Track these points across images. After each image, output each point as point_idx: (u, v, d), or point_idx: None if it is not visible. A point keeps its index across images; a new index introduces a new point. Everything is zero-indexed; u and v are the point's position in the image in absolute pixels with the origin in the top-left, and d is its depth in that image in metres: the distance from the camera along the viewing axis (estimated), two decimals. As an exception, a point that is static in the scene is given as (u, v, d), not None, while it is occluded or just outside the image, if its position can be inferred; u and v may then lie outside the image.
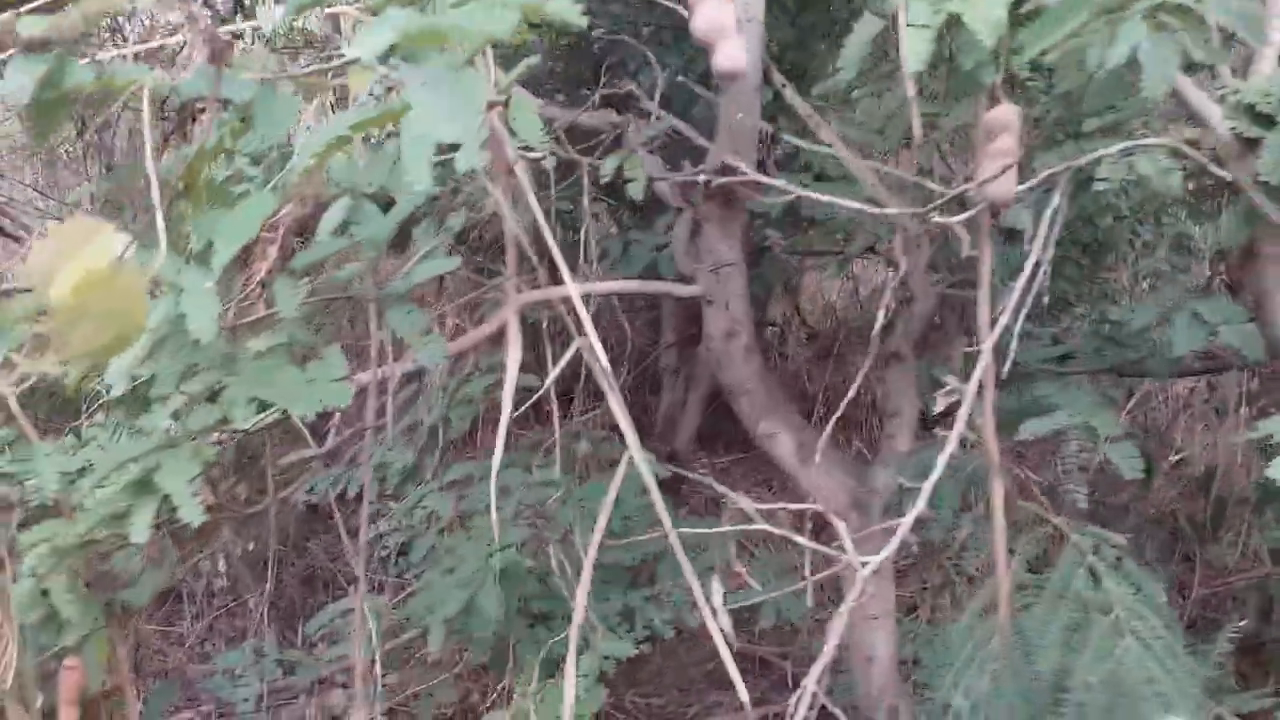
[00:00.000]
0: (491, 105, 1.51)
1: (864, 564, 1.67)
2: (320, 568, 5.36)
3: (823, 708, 1.94)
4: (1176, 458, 5.45)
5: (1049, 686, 2.01)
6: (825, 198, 2.02)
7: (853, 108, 3.99)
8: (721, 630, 1.61)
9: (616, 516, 3.65)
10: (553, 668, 3.35)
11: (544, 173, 2.71)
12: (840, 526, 1.78)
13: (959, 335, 3.76)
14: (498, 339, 3.47)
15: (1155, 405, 6.14)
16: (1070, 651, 2.00)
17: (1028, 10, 1.70)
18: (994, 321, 1.91)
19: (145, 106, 1.22)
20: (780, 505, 2.29)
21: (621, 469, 1.71)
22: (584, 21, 1.20)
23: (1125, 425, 2.73)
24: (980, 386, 1.86)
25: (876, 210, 1.97)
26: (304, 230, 2.43)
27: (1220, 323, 2.36)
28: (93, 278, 0.98)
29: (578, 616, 1.74)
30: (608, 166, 2.60)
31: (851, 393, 2.19)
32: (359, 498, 3.98)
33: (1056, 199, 1.93)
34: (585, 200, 2.58)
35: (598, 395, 4.59)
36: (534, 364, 2.37)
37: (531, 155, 1.89)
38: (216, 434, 1.96)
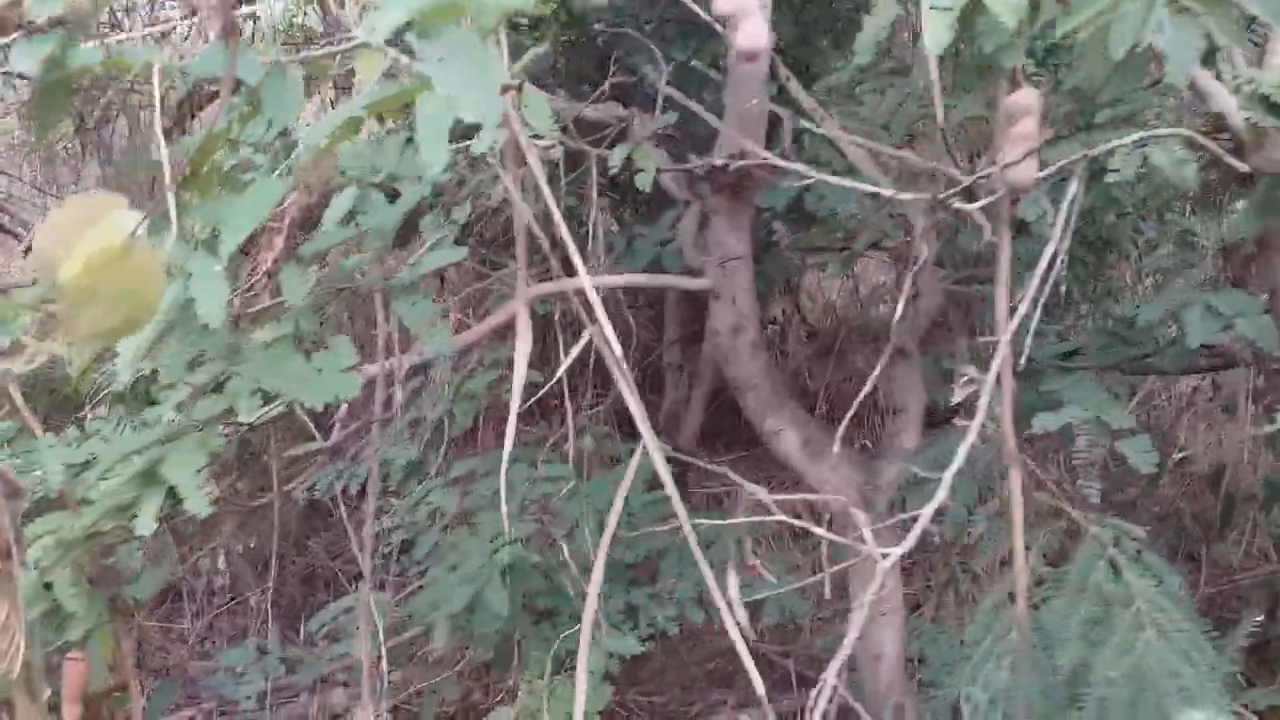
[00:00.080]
0: (505, 89, 1.48)
1: (884, 556, 1.64)
2: (321, 566, 5.33)
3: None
4: (1180, 456, 5.44)
5: (1068, 680, 1.99)
6: (848, 183, 1.99)
7: (856, 102, 3.97)
8: (737, 623, 1.58)
9: (621, 513, 3.62)
10: (557, 665, 3.33)
11: (554, 164, 2.69)
12: (860, 518, 1.76)
13: (964, 331, 3.75)
14: (504, 331, 3.45)
15: (1158, 403, 6.13)
16: (1091, 645, 1.97)
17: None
18: (1012, 311, 1.88)
19: (155, 82, 1.19)
20: (800, 495, 2.26)
21: (636, 458, 1.68)
22: None
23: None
24: (998, 377, 1.83)
25: (896, 194, 1.94)
26: (307, 223, 2.40)
27: (1235, 315, 2.33)
28: (104, 256, 0.95)
29: (589, 612, 1.72)
30: (617, 156, 2.57)
31: (865, 391, 2.16)
32: (360, 494, 3.96)
33: (1074, 186, 1.90)
34: (594, 191, 2.55)
35: (599, 391, 4.57)
36: (536, 359, 2.34)
37: (542, 144, 1.87)
38: (221, 427, 1.93)
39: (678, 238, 3.70)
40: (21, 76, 5.83)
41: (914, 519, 1.77)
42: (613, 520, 1.75)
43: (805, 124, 2.72)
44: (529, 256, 2.09)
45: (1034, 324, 1.93)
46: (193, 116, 5.49)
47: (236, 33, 1.10)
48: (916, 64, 3.99)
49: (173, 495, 1.80)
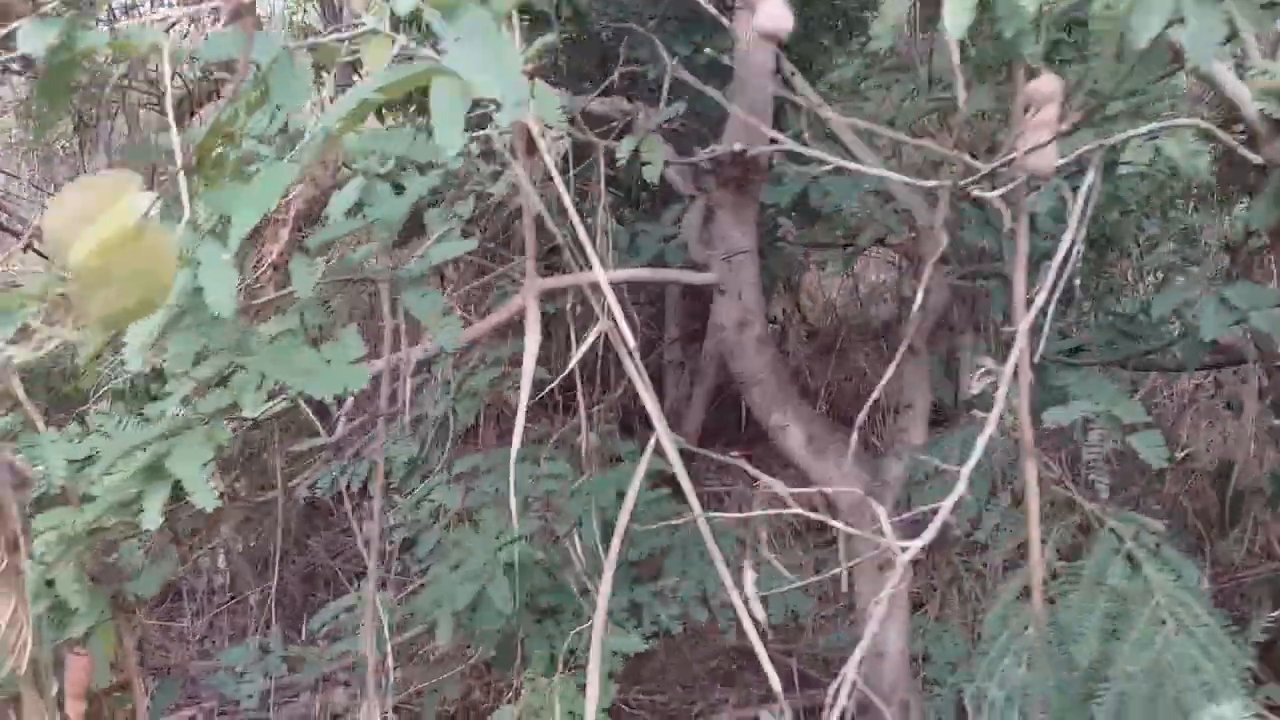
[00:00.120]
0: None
1: (903, 550, 1.62)
2: (321, 565, 5.31)
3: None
4: (1183, 453, 5.43)
5: (1086, 676, 1.96)
6: (871, 170, 1.97)
7: (862, 98, 3.96)
8: (754, 619, 1.56)
9: (620, 512, 3.60)
10: (558, 663, 3.31)
11: (561, 158, 2.66)
12: (880, 511, 1.74)
13: (968, 327, 3.73)
14: (505, 329, 3.42)
15: (1160, 400, 6.12)
16: (1109, 640, 1.95)
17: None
18: (1029, 302, 1.86)
19: (165, 62, 1.17)
20: (812, 489, 2.23)
21: (649, 450, 1.66)
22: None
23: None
24: (1015, 369, 1.81)
25: (916, 183, 1.91)
26: (311, 216, 2.38)
27: (1249, 309, 2.31)
28: (118, 237, 0.92)
29: (601, 608, 1.70)
30: (625, 147, 2.55)
31: (878, 390, 2.14)
32: (361, 492, 3.93)
33: (1091, 176, 1.88)
34: (602, 183, 2.53)
35: (601, 389, 4.55)
36: (538, 355, 2.32)
37: (551, 134, 1.85)
38: (226, 421, 1.91)
39: (681, 233, 3.68)
40: (18, 73, 5.81)
41: (928, 513, 1.75)
42: (624, 516, 1.73)
43: (810, 120, 2.70)
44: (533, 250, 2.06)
45: (1050, 314, 1.91)
46: (192, 114, 5.47)
47: (252, 12, 1.08)
48: (920, 59, 3.99)
49: (178, 490, 1.78)
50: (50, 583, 1.93)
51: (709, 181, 3.01)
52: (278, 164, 1.44)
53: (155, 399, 2.20)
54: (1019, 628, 2.02)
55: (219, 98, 4.38)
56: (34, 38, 1.21)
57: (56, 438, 1.92)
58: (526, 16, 4.42)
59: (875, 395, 2.05)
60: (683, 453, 1.89)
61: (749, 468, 1.85)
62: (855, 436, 2.15)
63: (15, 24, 1.39)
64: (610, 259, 3.13)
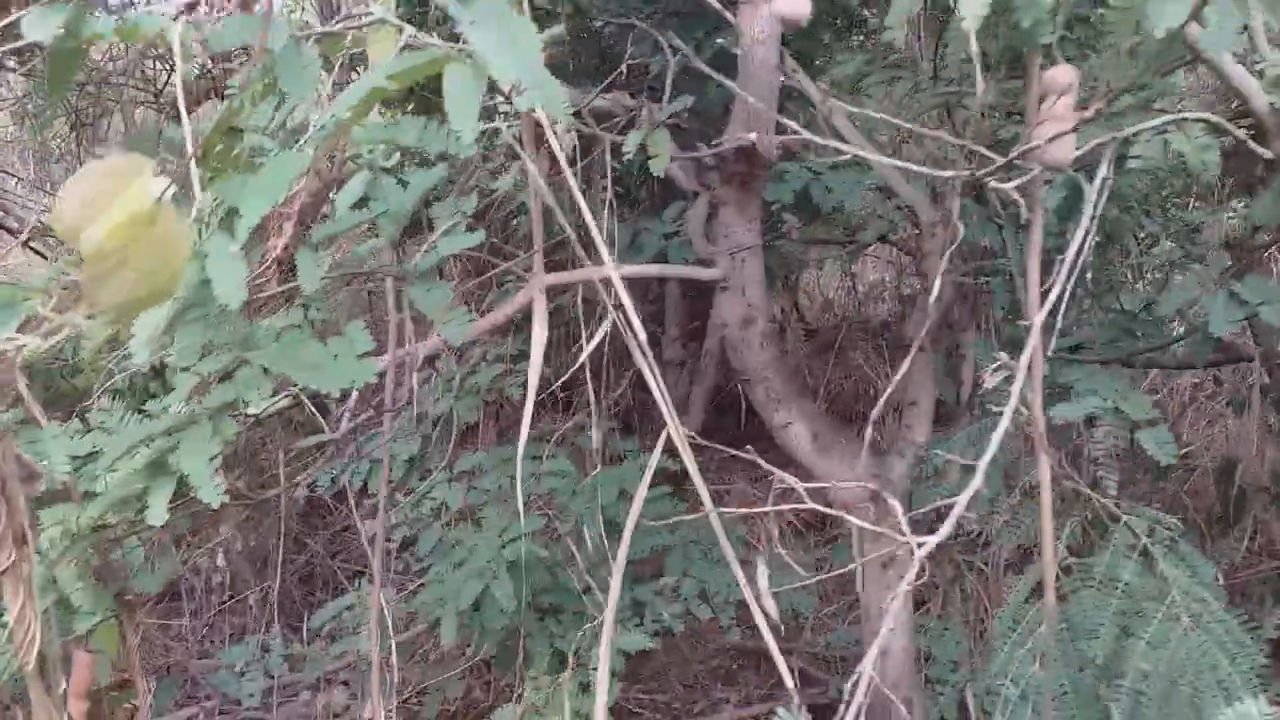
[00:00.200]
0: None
1: (920, 545, 1.61)
2: (320, 564, 5.29)
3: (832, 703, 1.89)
4: (1183, 452, 5.43)
5: (1099, 674, 1.95)
6: (882, 160, 1.95)
7: (864, 95, 3.95)
8: (766, 614, 1.54)
9: (623, 509, 3.59)
10: (562, 662, 3.30)
11: (567, 153, 2.64)
12: (897, 507, 1.72)
13: (971, 325, 3.72)
14: (507, 327, 3.40)
15: (1160, 399, 6.12)
16: (1124, 637, 1.93)
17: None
18: (1043, 296, 1.85)
19: (176, 48, 1.15)
20: (831, 484, 2.22)
21: (660, 445, 1.64)
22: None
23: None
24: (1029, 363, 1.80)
25: (933, 173, 1.90)
26: (314, 210, 2.36)
27: (1259, 303, 2.29)
28: (132, 221, 0.90)
29: (611, 604, 1.68)
30: (631, 142, 2.53)
31: (889, 391, 2.13)
32: (362, 491, 3.91)
33: (1104, 168, 1.87)
34: (608, 178, 2.51)
35: (605, 387, 4.53)
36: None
37: (558, 128, 1.83)
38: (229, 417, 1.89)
39: (683, 231, 3.67)
40: (13, 69, 5.78)
41: (936, 510, 1.74)
42: (634, 513, 1.71)
43: (811, 118, 2.69)
44: (532, 247, 2.04)
45: (1063, 309, 1.90)
46: (189, 112, 5.43)
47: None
48: (923, 55, 3.98)
49: (179, 487, 1.76)
50: (53, 580, 1.91)
51: (713, 177, 2.99)
52: (286, 153, 1.42)
53: (153, 397, 2.18)
54: (1032, 624, 2.00)
55: (217, 95, 4.36)
56: (40, 24, 1.19)
57: (59, 433, 1.89)
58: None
59: (889, 392, 2.03)
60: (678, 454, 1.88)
61: (761, 462, 1.83)
62: (870, 431, 2.14)
63: (15, 15, 1.37)
64: (611, 257, 3.11)
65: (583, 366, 2.12)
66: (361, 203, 2.01)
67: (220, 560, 4.80)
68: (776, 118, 2.45)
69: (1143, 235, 4.76)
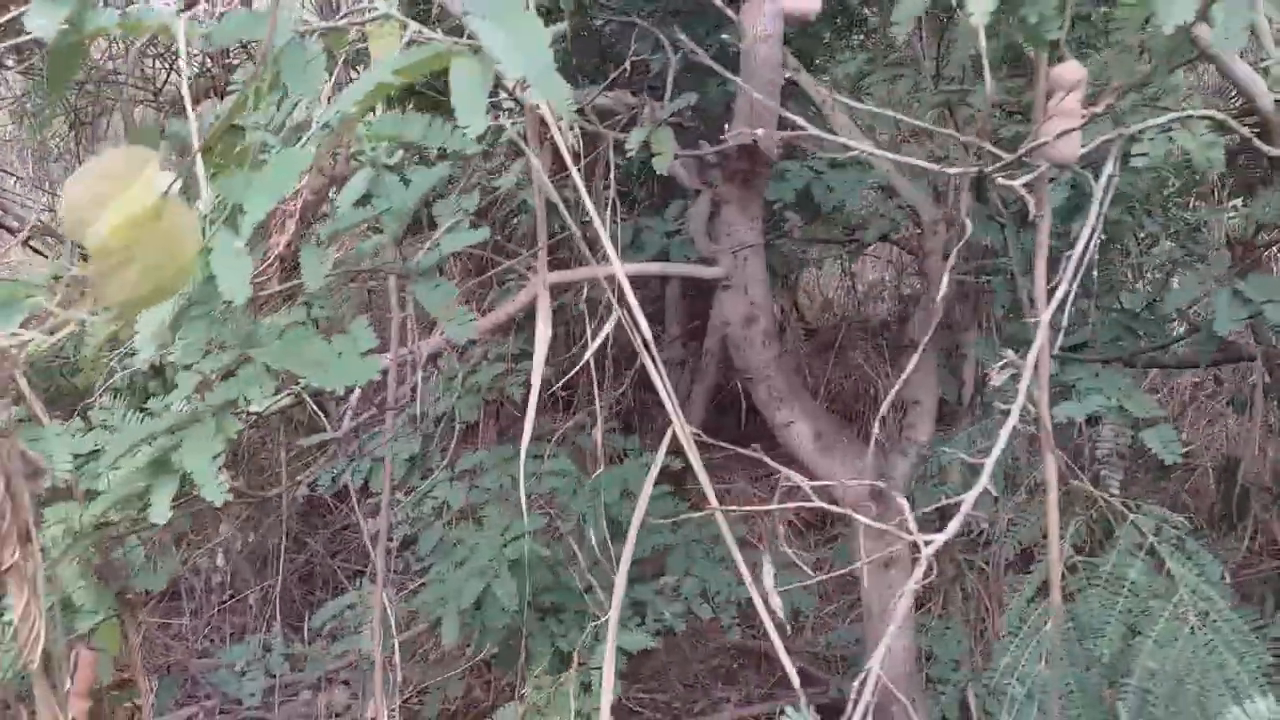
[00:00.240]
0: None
1: (927, 543, 1.60)
2: (320, 564, 5.28)
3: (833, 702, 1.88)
4: (1183, 451, 5.42)
5: (1106, 673, 1.94)
6: (888, 156, 1.94)
7: (865, 93, 3.94)
8: (772, 612, 1.53)
9: (625, 508, 3.59)
10: (563, 661, 3.29)
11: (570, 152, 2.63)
12: (904, 506, 1.71)
13: (972, 325, 3.71)
14: (509, 325, 3.40)
15: (1159, 398, 6.12)
16: (1132, 636, 1.93)
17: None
18: (1050, 293, 1.84)
19: (181, 41, 1.14)
20: (838, 482, 2.21)
21: (665, 442, 1.63)
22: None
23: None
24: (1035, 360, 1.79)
25: (939, 169, 1.89)
26: (316, 208, 2.35)
27: (1264, 301, 2.29)
28: (140, 215, 0.90)
29: (616, 603, 1.67)
30: (634, 139, 2.52)
31: (895, 390, 2.12)
32: (363, 490, 3.90)
33: (1111, 165, 1.87)
34: (611, 176, 2.50)
35: (602, 387, 4.52)
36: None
37: (562, 124, 1.82)
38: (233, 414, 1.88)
39: (685, 230, 3.66)
40: (9, 68, 5.77)
41: (939, 510, 1.73)
42: (639, 511, 1.70)
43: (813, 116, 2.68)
44: (534, 244, 2.03)
45: (1069, 306, 1.89)
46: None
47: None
48: (925, 53, 3.97)
49: (185, 484, 1.75)
50: (50, 578, 1.90)
51: (715, 175, 2.99)
52: (291, 149, 1.41)
53: (153, 396, 2.17)
54: (1038, 623, 1.99)
55: (216, 95, 4.35)
56: (43, 18, 1.18)
57: (61, 431, 1.89)
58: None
59: (895, 391, 2.03)
60: (678, 454, 1.87)
61: (767, 459, 1.82)
62: (877, 429, 2.13)
63: (16, 12, 1.36)
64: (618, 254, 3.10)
65: (584, 365, 2.11)
66: (364, 200, 2.00)
67: (220, 560, 4.79)
68: (780, 111, 2.44)
69: (1143, 235, 4.75)
